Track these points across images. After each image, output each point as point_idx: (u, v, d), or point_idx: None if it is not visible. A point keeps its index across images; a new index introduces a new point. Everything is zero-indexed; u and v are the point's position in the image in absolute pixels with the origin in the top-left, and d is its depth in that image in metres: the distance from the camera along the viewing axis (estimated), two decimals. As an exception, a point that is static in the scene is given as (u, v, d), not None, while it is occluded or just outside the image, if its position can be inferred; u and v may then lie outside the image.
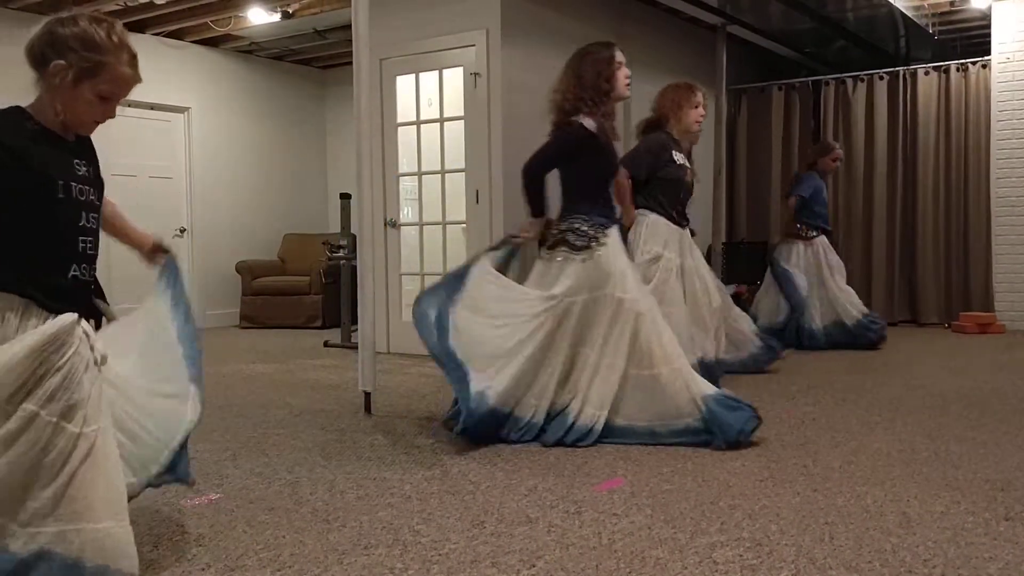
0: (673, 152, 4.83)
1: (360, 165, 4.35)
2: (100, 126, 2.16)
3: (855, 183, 8.62)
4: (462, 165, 6.53)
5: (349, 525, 2.68)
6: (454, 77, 6.57)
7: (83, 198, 1.99)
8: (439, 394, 5.01)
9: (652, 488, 3.05)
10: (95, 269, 2.07)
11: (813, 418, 4.21)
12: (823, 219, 6.92)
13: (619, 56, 3.98)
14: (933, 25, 8.61)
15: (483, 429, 3.65)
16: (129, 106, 8.16)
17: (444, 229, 6.79)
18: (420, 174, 6.88)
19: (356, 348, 4.71)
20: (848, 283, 6.92)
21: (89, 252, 2.03)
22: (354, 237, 7.03)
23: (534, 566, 2.34)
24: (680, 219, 4.88)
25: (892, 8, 7.35)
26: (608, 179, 4.01)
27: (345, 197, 7.50)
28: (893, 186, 8.48)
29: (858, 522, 2.65)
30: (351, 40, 4.37)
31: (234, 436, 3.93)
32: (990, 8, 7.90)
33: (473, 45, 6.33)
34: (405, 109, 6.84)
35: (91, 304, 2.07)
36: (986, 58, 8.05)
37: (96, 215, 2.05)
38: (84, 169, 2.02)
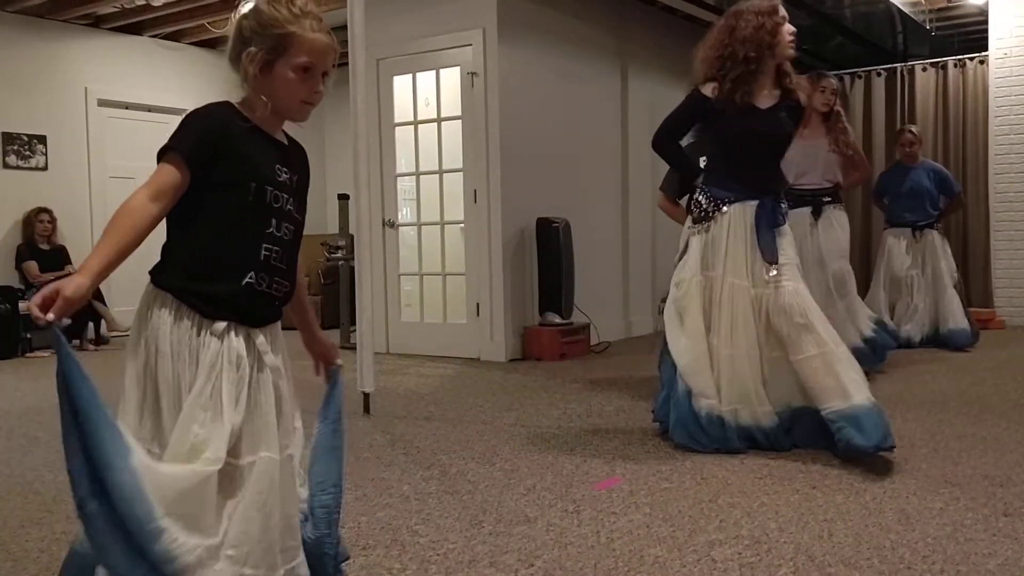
0: None
1: (357, 166, 4.35)
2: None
3: (853, 180, 8.61)
4: (460, 165, 6.52)
5: (347, 525, 2.67)
6: (451, 77, 6.57)
7: (277, 204, 1.77)
8: (438, 394, 5.01)
9: (651, 486, 3.05)
10: (282, 284, 1.80)
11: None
12: (892, 213, 6.64)
13: (783, 11, 3.64)
14: (930, 21, 8.61)
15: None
16: (127, 108, 8.17)
17: (442, 229, 6.79)
18: (418, 174, 6.88)
19: (355, 349, 4.70)
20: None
21: (273, 263, 1.77)
22: (352, 238, 7.02)
23: (532, 565, 2.34)
24: None
25: (889, 5, 7.35)
26: (743, 149, 3.58)
27: (343, 198, 7.48)
28: (891, 183, 8.46)
29: (857, 519, 2.65)
30: (347, 40, 4.36)
31: (233, 437, 3.92)
32: (987, 4, 7.89)
33: (470, 45, 6.32)
34: (402, 109, 6.84)
35: (267, 319, 1.80)
36: (983, 54, 8.04)
37: (291, 226, 1.81)
38: (285, 175, 1.80)
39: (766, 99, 3.58)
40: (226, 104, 1.79)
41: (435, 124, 6.71)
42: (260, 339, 1.76)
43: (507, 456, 3.51)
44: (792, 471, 3.21)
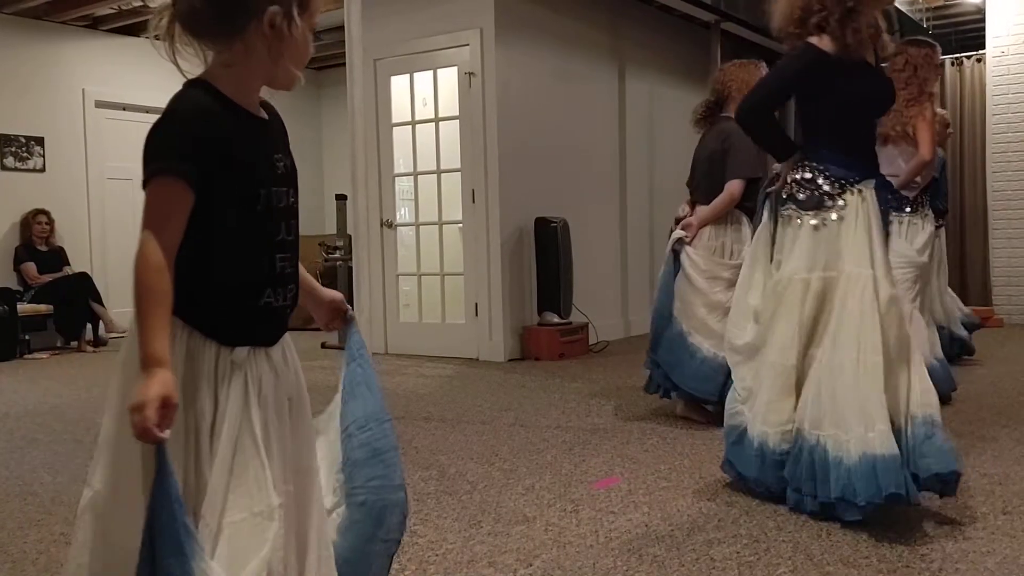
0: None
1: (355, 166, 4.35)
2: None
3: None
4: (458, 165, 6.52)
5: (346, 526, 2.67)
6: (449, 77, 6.57)
7: (281, 204, 1.53)
8: (436, 395, 5.00)
9: (649, 486, 3.05)
10: (294, 291, 1.60)
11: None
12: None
13: None
14: (927, 20, 8.62)
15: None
16: (124, 109, 8.16)
17: (440, 229, 6.79)
18: (416, 174, 6.88)
19: (353, 349, 4.68)
20: None
21: (287, 272, 1.56)
22: (350, 238, 7.02)
23: (531, 565, 2.34)
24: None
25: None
26: (862, 116, 2.95)
27: (341, 198, 7.50)
28: (889, 181, 8.48)
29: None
30: (344, 41, 4.37)
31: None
32: (984, 2, 7.90)
33: (467, 45, 6.32)
34: (400, 109, 6.84)
35: (281, 333, 1.59)
36: (981, 52, 8.05)
37: (295, 222, 1.59)
38: (281, 164, 1.55)
39: (870, 55, 2.92)
40: (202, 90, 1.47)
41: (433, 124, 6.71)
42: (276, 356, 1.55)
43: (506, 456, 3.51)
44: (791, 470, 3.21)
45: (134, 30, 8.04)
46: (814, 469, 2.63)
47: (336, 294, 1.81)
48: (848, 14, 2.76)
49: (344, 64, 4.47)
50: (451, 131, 6.59)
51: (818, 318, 2.79)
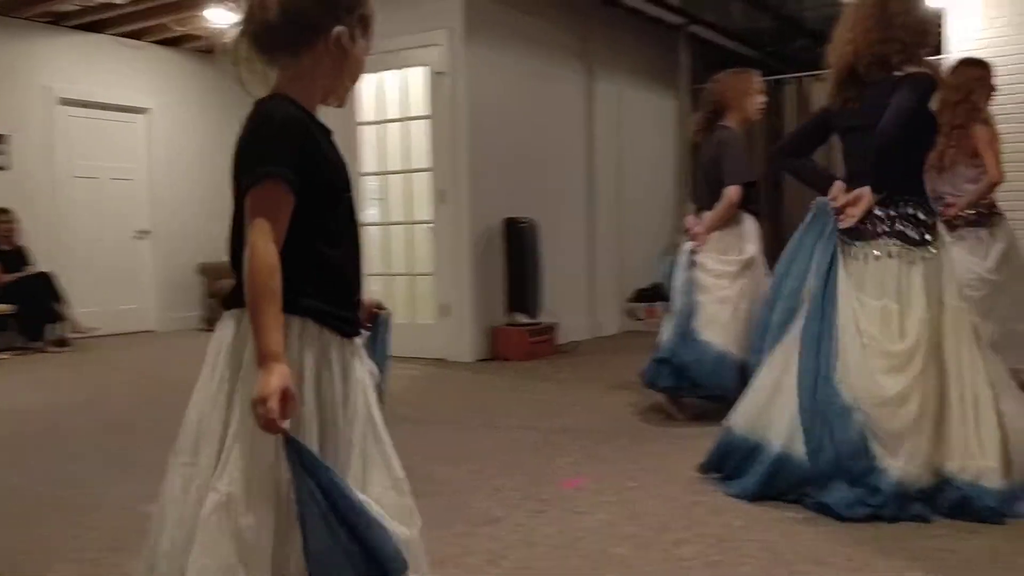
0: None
1: (323, 165, 4.31)
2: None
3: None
4: (427, 164, 6.51)
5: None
6: (418, 76, 6.56)
7: (353, 207, 1.64)
8: (405, 395, 5.00)
9: (617, 486, 3.07)
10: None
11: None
12: None
13: None
14: (891, 24, 8.73)
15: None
16: (89, 107, 8.05)
17: (409, 229, 6.77)
18: (385, 174, 6.86)
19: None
20: None
21: (361, 268, 1.66)
22: (319, 238, 6.99)
23: (499, 566, 2.35)
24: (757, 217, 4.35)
25: (851, 7, 7.45)
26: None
27: (309, 198, 7.44)
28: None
29: (823, 517, 2.67)
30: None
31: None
32: (944, 8, 8.03)
33: (437, 44, 6.32)
34: (368, 108, 6.81)
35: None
36: (940, 57, 8.16)
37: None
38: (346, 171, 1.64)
39: None
40: (290, 101, 1.53)
41: (402, 124, 6.69)
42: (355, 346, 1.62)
43: (474, 457, 3.52)
44: (756, 469, 3.24)
45: (98, 27, 7.93)
46: None
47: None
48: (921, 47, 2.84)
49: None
50: (421, 131, 6.57)
51: (938, 355, 2.75)
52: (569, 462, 3.41)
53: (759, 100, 4.33)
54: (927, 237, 2.80)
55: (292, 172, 1.46)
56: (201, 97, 8.88)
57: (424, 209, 6.60)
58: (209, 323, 8.73)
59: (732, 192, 4.10)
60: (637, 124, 8.33)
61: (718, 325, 4.01)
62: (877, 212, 2.82)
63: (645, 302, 8.14)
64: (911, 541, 2.46)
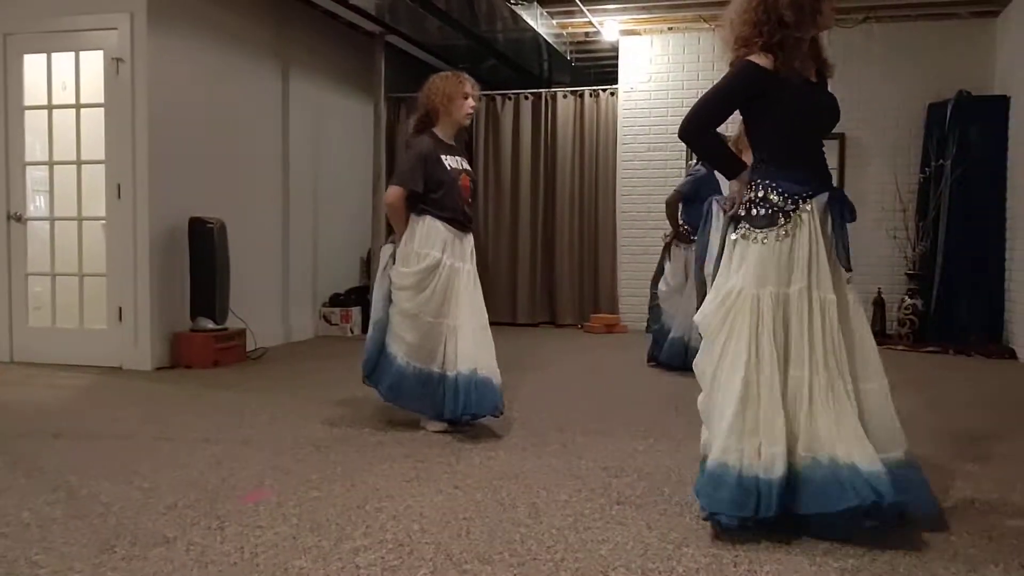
0: (442, 156, 4.19)
1: (-27, 153, 3.85)
2: None
3: (503, 194, 9.21)
4: (102, 156, 6.02)
5: (-50, 564, 2.37)
6: (93, 61, 6.04)
7: None
8: (70, 408, 4.58)
9: (300, 496, 3.04)
10: None
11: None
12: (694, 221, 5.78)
13: None
14: (571, 52, 9.46)
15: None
16: None
17: (80, 225, 6.21)
18: (52, 164, 6.24)
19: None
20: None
21: None
22: (-32, 231, 6.20)
23: (169, 589, 2.24)
24: (465, 224, 4.24)
25: (536, 34, 7.95)
26: (809, 131, 2.95)
27: (-43, 185, 6.57)
28: (536, 198, 9.18)
29: (493, 516, 2.85)
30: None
31: None
32: (618, 42, 8.84)
33: (115, 28, 5.86)
34: (34, 91, 6.16)
35: None
36: (614, 87, 8.98)
37: None
38: None
39: (812, 75, 2.97)
40: None
41: (74, 110, 6.13)
42: None
43: (146, 473, 3.31)
44: (438, 472, 3.37)
45: None
46: None
47: None
48: (795, 40, 2.81)
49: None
50: (94, 119, 6.06)
51: (782, 335, 2.76)
52: (251, 475, 3.32)
53: (468, 104, 4.26)
54: (778, 220, 2.83)
55: None
56: None
57: (98, 204, 6.09)
58: None
59: (388, 193, 4.13)
60: (334, 127, 8.29)
61: (400, 341, 4.07)
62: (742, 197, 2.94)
63: (340, 307, 8.12)
64: (568, 533, 2.68)
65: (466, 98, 4.23)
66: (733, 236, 2.91)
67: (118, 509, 2.87)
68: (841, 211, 2.87)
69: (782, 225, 2.79)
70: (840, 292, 2.82)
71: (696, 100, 2.92)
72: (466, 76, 4.30)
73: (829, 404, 2.69)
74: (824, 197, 2.86)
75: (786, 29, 2.79)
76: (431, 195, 4.11)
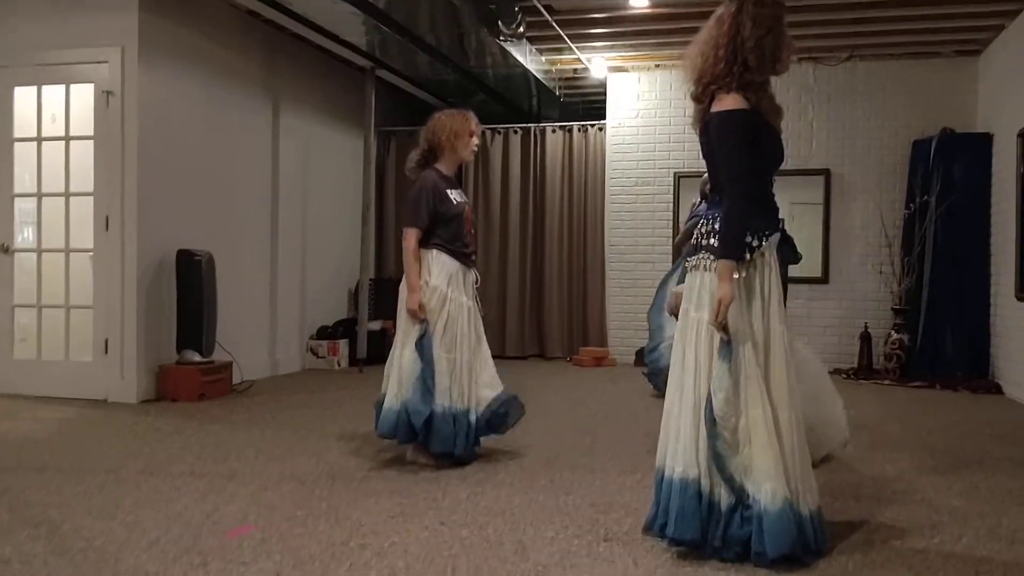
0: (447, 191, 4.24)
1: (-39, 185, 3.85)
2: None
3: (492, 227, 9.24)
4: (90, 188, 6.02)
5: (-73, 601, 2.34)
6: (84, 93, 6.06)
7: None
8: (55, 441, 4.54)
9: (283, 532, 3.01)
10: None
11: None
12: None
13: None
14: (560, 88, 9.55)
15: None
16: None
17: (67, 257, 6.20)
18: (40, 195, 6.24)
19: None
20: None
21: None
22: (-46, 263, 6.17)
23: (150, 627, 2.21)
24: (470, 257, 4.30)
25: (526, 70, 8.03)
26: (769, 171, 3.01)
27: (-56, 216, 6.55)
28: (525, 231, 9.22)
29: (478, 553, 2.83)
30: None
31: None
32: (606, 79, 8.94)
33: (106, 62, 5.89)
34: (24, 123, 6.18)
35: None
36: (602, 122, 9.07)
37: None
38: None
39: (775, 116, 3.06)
40: None
41: (63, 142, 6.14)
42: None
43: (130, 508, 3.28)
44: (423, 507, 3.35)
45: None
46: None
47: None
48: (751, 79, 2.88)
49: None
50: (84, 152, 6.07)
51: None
52: (236, 509, 3.29)
53: (474, 142, 4.34)
54: (744, 256, 2.88)
55: None
56: None
57: (86, 236, 6.08)
58: None
59: (407, 236, 4.16)
60: (324, 160, 8.32)
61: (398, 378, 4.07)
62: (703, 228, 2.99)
63: (328, 339, 8.10)
64: (555, 571, 2.66)
65: (472, 136, 4.32)
66: (693, 261, 2.97)
67: (100, 545, 2.84)
68: (791, 252, 3.04)
69: (746, 262, 2.85)
70: (784, 325, 2.91)
71: (726, 175, 2.90)
72: (471, 114, 4.37)
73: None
74: (777, 236, 2.95)
75: (749, 72, 2.87)
76: (440, 229, 4.16)
